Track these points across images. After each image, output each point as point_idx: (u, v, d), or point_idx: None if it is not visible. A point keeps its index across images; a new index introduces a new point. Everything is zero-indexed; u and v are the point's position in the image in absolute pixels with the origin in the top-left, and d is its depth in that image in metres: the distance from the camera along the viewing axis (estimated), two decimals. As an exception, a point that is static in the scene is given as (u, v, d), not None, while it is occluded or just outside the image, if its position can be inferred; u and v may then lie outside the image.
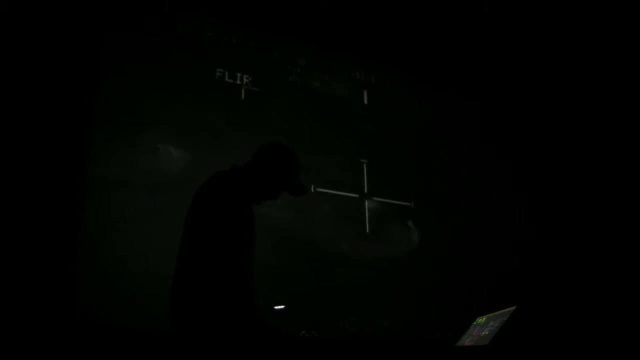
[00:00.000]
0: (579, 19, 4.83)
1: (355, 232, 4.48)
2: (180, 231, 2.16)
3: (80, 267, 3.41)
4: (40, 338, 3.11)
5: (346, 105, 4.82)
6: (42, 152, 3.47)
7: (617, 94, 5.05)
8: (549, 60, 5.32)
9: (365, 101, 4.93)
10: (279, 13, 4.62)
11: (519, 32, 5.07)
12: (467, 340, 2.89)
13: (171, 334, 2.01)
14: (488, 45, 5.20)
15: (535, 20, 4.94)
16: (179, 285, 2.02)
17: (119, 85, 3.90)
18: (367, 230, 4.52)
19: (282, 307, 3.83)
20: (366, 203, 4.59)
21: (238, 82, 4.39)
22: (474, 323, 3.02)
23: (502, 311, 2.76)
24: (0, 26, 3.53)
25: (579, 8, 4.72)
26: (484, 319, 2.92)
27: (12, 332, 3.05)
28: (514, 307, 2.67)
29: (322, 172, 4.47)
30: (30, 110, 3.51)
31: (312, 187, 4.38)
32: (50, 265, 3.30)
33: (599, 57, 5.09)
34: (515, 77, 5.44)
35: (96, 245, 3.50)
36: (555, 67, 5.34)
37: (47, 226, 3.36)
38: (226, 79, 4.36)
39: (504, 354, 2.52)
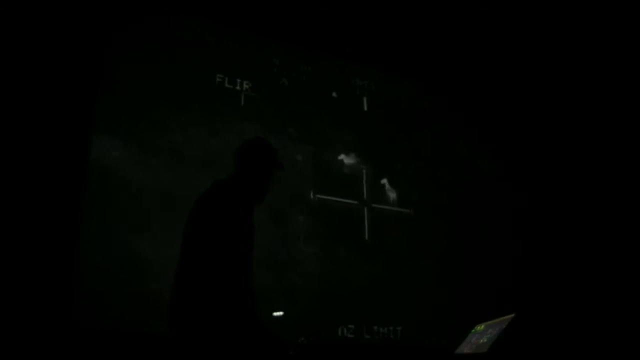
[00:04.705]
0: (576, 19, 4.86)
1: (355, 238, 4.48)
2: (180, 236, 2.17)
3: (79, 268, 3.41)
4: (37, 341, 3.11)
5: (346, 112, 4.82)
6: (42, 153, 3.48)
7: (616, 94, 5.07)
8: (547, 63, 5.33)
9: (365, 107, 4.94)
10: (279, 19, 4.63)
11: (519, 37, 5.10)
12: (465, 348, 2.88)
13: (171, 340, 2.01)
14: (488, 50, 5.22)
15: (534, 24, 4.97)
16: (179, 292, 2.02)
17: (119, 90, 3.91)
18: (367, 237, 4.52)
19: (281, 313, 3.83)
20: (365, 210, 4.59)
21: (238, 87, 4.40)
22: (473, 330, 3.02)
23: (500, 319, 2.76)
24: (0, 26, 3.55)
25: (576, 8, 4.75)
26: (483, 326, 2.92)
27: (11, 332, 3.05)
28: (512, 315, 2.67)
29: (322, 178, 4.47)
30: (31, 112, 3.52)
31: (312, 193, 4.39)
32: (49, 265, 3.30)
33: (597, 58, 5.10)
34: (516, 82, 5.45)
35: (95, 246, 3.51)
36: (554, 69, 5.35)
37: (46, 226, 3.36)
38: (226, 85, 4.36)
39: (502, 362, 2.51)
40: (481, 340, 2.74)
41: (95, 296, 3.39)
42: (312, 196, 4.37)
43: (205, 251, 2.02)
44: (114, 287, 3.46)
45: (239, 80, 4.42)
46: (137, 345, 3.32)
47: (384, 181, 4.74)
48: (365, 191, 4.64)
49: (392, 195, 4.72)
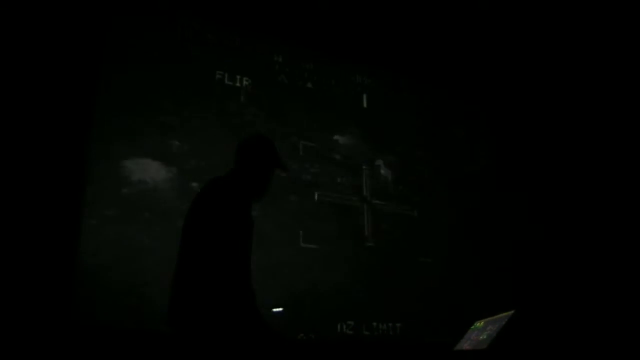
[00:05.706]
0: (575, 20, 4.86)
1: (355, 234, 4.48)
2: (179, 233, 2.17)
3: (79, 266, 3.41)
4: (38, 339, 3.11)
5: (346, 109, 4.82)
6: (43, 151, 3.48)
7: (616, 94, 5.06)
8: (546, 63, 5.33)
9: (365, 104, 4.94)
10: (278, 16, 4.62)
11: (518, 34, 5.08)
12: (465, 344, 2.89)
13: (171, 337, 2.01)
14: (488, 47, 5.22)
15: (533, 23, 4.96)
16: (179, 289, 2.02)
17: (119, 86, 3.90)
18: (366, 233, 4.52)
19: (281, 309, 3.83)
20: (365, 207, 4.59)
21: (238, 84, 4.40)
22: (472, 327, 3.03)
23: (500, 315, 2.77)
24: (0, 25, 3.54)
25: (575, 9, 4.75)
26: (482, 323, 2.93)
27: (11, 331, 3.05)
28: (511, 312, 2.68)
29: (322, 175, 4.47)
30: (31, 110, 3.52)
31: (312, 190, 4.39)
32: (49, 263, 3.30)
33: (594, 47, 5.09)
34: (515, 79, 5.44)
35: (95, 243, 3.50)
36: (553, 69, 5.35)
37: (46, 223, 3.35)
38: (226, 81, 4.36)
39: (502, 358, 2.52)
40: (481, 337, 2.75)
41: (95, 294, 3.38)
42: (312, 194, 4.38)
43: (204, 248, 2.01)
44: (114, 285, 3.45)
45: (239, 77, 4.41)
46: (137, 344, 3.31)
47: (379, 162, 4.75)
48: (365, 188, 4.64)
49: (388, 175, 4.73)
